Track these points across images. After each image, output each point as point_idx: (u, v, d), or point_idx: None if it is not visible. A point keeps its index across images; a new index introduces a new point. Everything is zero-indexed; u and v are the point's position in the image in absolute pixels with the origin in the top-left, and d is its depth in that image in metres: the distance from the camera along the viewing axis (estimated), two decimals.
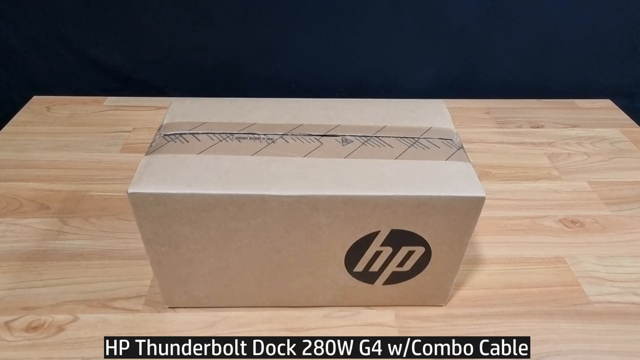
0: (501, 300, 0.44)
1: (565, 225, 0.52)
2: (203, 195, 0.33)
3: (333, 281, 0.40)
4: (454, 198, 0.34)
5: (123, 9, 0.67)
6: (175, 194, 0.33)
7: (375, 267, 0.39)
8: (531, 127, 0.70)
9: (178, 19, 0.69)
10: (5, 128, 0.65)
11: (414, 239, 0.36)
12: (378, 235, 0.36)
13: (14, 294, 0.43)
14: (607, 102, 0.77)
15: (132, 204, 0.33)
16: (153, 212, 0.34)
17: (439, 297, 0.42)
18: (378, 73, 0.77)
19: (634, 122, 0.72)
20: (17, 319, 0.40)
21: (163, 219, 0.34)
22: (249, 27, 0.70)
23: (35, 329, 0.40)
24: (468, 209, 0.35)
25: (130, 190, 0.33)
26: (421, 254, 0.38)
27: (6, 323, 0.40)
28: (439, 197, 0.34)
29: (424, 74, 0.78)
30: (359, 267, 0.38)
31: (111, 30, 0.69)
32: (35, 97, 0.72)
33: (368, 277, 0.39)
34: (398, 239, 0.36)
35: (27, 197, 0.54)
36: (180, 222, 0.34)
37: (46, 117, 0.68)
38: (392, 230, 0.36)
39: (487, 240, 0.50)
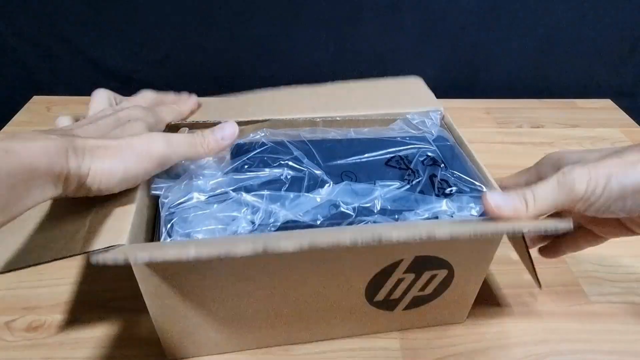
0: (501, 300, 0.44)
1: None
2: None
3: (352, 313, 0.37)
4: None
5: (123, 9, 0.67)
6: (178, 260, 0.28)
7: (396, 295, 0.37)
8: (531, 127, 0.70)
9: (178, 19, 0.69)
10: (5, 128, 0.65)
11: (438, 263, 0.35)
12: (401, 264, 0.34)
13: (14, 294, 0.43)
14: (607, 102, 0.77)
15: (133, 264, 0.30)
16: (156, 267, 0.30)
17: (458, 316, 0.41)
18: (378, 73, 0.77)
19: (634, 122, 0.72)
20: (17, 319, 0.40)
21: (167, 270, 0.31)
22: (249, 27, 0.70)
23: (35, 329, 0.40)
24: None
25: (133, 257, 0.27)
26: (444, 276, 0.36)
27: (6, 323, 0.40)
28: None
29: (424, 73, 0.78)
30: (380, 296, 0.37)
31: (111, 30, 0.69)
32: (35, 97, 0.72)
33: (389, 305, 0.38)
34: (421, 264, 0.35)
35: None
36: (187, 270, 0.31)
37: (46, 117, 0.68)
38: (416, 257, 0.34)
39: None
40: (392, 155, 0.39)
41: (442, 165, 0.38)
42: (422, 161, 0.39)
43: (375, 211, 0.34)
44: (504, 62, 0.76)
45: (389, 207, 0.34)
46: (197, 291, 0.33)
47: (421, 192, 0.36)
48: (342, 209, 0.34)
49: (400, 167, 0.38)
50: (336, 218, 0.33)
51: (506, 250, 0.49)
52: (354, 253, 0.33)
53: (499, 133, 0.69)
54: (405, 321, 0.40)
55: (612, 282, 0.46)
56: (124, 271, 0.35)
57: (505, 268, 0.47)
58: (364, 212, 0.34)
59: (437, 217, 0.34)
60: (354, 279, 0.35)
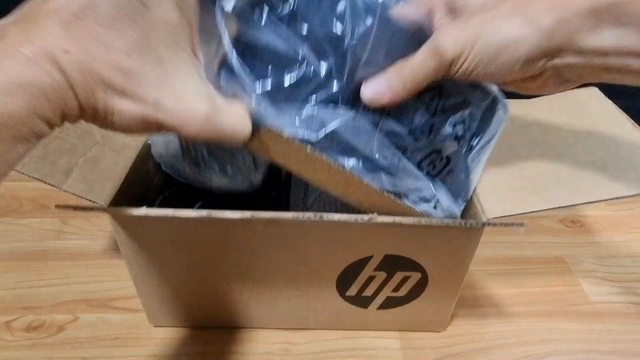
0: (501, 300, 0.44)
1: (565, 225, 0.52)
2: (183, 218, 0.30)
3: (324, 304, 0.38)
4: (450, 225, 0.31)
5: None
6: (156, 217, 0.31)
7: (368, 292, 0.37)
8: None
9: None
10: None
11: (409, 265, 0.35)
12: (371, 260, 0.34)
13: (14, 294, 0.43)
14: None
15: (111, 221, 0.32)
16: (134, 231, 0.33)
17: (437, 323, 0.40)
18: None
19: (634, 122, 0.72)
20: (17, 318, 0.40)
21: (144, 239, 0.33)
22: None
23: (35, 328, 0.40)
24: (468, 236, 0.33)
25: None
26: (417, 279, 0.36)
27: (6, 323, 0.40)
28: (434, 224, 0.31)
29: None
30: (352, 291, 0.37)
31: None
32: None
33: (361, 301, 0.38)
34: (392, 264, 0.35)
35: (27, 197, 0.54)
36: (162, 243, 0.33)
37: None
38: (385, 256, 0.34)
39: (487, 240, 0.50)
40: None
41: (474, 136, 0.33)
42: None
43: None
44: None
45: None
46: (171, 264, 0.35)
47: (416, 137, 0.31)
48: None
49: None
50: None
51: (504, 250, 0.49)
52: (320, 245, 0.33)
53: None
54: (381, 321, 0.40)
55: (612, 282, 0.46)
56: (125, 271, 0.35)
57: (504, 268, 0.47)
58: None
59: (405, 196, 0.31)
60: (324, 270, 0.35)
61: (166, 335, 0.39)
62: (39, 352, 0.38)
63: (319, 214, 0.29)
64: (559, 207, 0.30)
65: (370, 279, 0.36)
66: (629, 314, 0.43)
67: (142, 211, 0.30)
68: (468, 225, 0.31)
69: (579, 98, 0.39)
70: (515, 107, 0.38)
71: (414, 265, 0.35)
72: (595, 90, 0.39)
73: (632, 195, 0.29)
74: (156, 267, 0.35)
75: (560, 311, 0.43)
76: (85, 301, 0.42)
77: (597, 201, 0.30)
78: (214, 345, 0.39)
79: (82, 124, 0.21)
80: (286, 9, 0.27)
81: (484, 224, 0.31)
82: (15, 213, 0.52)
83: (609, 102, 0.38)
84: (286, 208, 0.41)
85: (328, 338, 0.40)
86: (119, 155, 0.35)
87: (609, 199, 0.30)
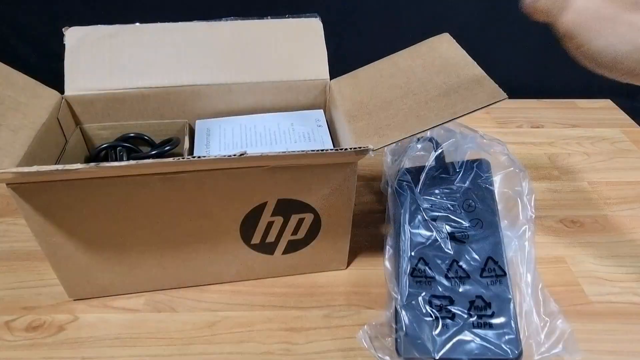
0: None
1: (565, 225, 0.52)
2: (73, 170, 0.30)
3: (234, 255, 0.41)
4: (328, 164, 0.36)
5: (123, 10, 0.67)
6: (47, 171, 0.31)
7: (271, 238, 0.40)
8: (531, 127, 0.70)
9: (178, 18, 0.69)
10: None
11: (301, 207, 0.39)
12: (266, 206, 0.38)
13: (14, 293, 0.43)
14: (607, 102, 0.77)
15: (12, 194, 0.32)
16: (35, 199, 0.33)
17: (338, 262, 0.44)
18: None
19: (634, 122, 0.72)
20: (17, 318, 0.40)
21: (45, 206, 0.34)
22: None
23: (35, 328, 0.40)
24: (344, 171, 0.37)
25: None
26: (311, 220, 0.40)
27: (6, 323, 0.40)
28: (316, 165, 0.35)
29: None
30: (256, 239, 0.40)
31: None
32: None
33: (266, 248, 0.41)
34: (286, 208, 0.38)
35: None
36: (63, 208, 0.34)
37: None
38: (278, 200, 0.38)
39: None
40: None
41: None
42: None
43: None
44: (503, 62, 0.76)
45: None
46: (78, 231, 0.36)
47: None
48: None
49: None
50: None
51: None
52: (217, 195, 0.36)
53: (499, 133, 0.69)
54: (288, 266, 0.43)
55: (612, 282, 0.46)
56: None
57: None
58: None
59: None
60: (225, 221, 0.38)
61: (166, 336, 0.39)
62: (39, 352, 0.38)
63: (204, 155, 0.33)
64: (413, 135, 0.36)
65: (270, 224, 0.39)
66: (629, 314, 0.43)
67: (33, 169, 0.30)
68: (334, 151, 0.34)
69: (432, 44, 0.46)
70: (384, 64, 0.48)
71: (305, 207, 0.39)
72: (446, 36, 0.46)
73: (462, 115, 0.36)
74: (64, 236, 0.36)
75: (561, 311, 0.43)
76: (85, 301, 0.42)
77: (439, 124, 0.36)
78: (214, 345, 0.39)
79: None
80: None
81: (346, 150, 0.34)
82: (14, 213, 0.52)
83: (456, 44, 0.45)
84: None
85: (328, 338, 0.40)
86: (16, 134, 0.35)
87: (447, 121, 0.36)
